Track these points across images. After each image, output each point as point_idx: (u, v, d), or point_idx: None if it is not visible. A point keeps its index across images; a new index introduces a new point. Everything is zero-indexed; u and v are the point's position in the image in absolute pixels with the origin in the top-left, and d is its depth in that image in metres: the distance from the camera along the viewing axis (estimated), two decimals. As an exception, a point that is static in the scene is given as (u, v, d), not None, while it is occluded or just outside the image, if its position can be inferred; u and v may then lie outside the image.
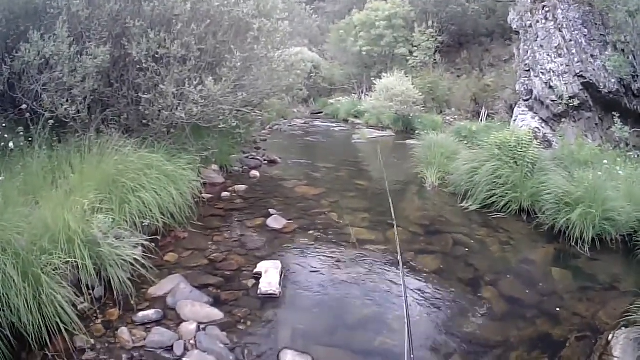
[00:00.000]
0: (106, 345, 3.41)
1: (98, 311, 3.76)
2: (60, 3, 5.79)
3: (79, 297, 3.55)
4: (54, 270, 3.40)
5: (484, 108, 16.11)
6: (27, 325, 3.08)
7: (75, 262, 3.62)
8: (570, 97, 10.22)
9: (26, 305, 3.10)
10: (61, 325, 3.22)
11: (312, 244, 5.72)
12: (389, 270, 5.05)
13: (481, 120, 14.97)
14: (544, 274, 5.37)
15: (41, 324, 3.14)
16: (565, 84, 10.39)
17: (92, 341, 3.40)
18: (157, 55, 6.31)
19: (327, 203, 7.47)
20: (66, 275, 3.50)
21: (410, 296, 4.49)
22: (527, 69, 12.01)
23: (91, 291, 3.77)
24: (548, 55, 11.02)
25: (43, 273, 3.28)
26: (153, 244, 4.70)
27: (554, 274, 5.31)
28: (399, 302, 4.34)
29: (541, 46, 11.28)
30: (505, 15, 14.24)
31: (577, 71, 10.18)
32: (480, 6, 20.80)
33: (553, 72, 10.77)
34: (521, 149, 7.46)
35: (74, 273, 3.64)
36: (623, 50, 9.14)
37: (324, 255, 5.39)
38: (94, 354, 3.28)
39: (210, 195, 7.16)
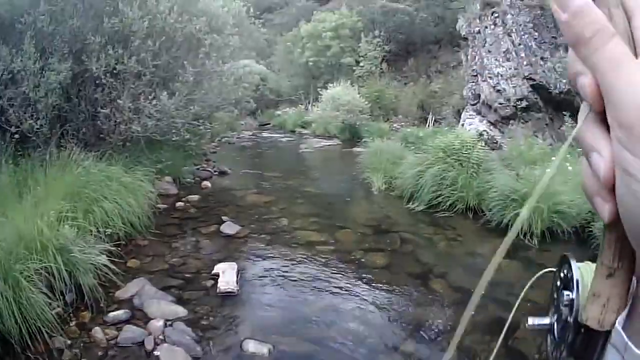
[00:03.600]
0: (82, 344, 3.66)
1: (72, 314, 3.99)
2: (28, 19, 5.96)
3: (54, 301, 3.76)
4: (30, 276, 3.61)
5: (431, 114, 16.48)
6: (11, 329, 3.29)
7: (49, 267, 3.85)
8: (519, 100, 10.66)
9: (8, 310, 3.30)
10: (42, 329, 3.42)
11: (265, 247, 6.06)
12: (338, 268, 5.42)
13: (428, 126, 15.29)
14: (494, 266, 5.70)
15: (22, 327, 3.34)
16: (514, 86, 10.82)
17: (69, 342, 3.63)
18: (115, 71, 6.55)
19: (277, 209, 7.79)
20: (41, 281, 3.72)
21: (362, 289, 4.89)
22: (475, 74, 12.38)
23: (62, 296, 3.96)
24: (496, 59, 11.46)
25: (23, 279, 3.50)
26: (118, 249, 4.96)
27: (504, 265, 5.41)
28: (348, 297, 4.74)
29: (489, 51, 11.73)
30: (455, 22, 14.40)
31: (526, 74, 10.63)
32: (429, 14, 20.87)
33: (501, 75, 11.22)
34: (465, 151, 7.83)
35: (47, 279, 3.85)
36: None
37: (276, 256, 5.75)
38: (71, 354, 3.52)
39: (165, 206, 7.39)
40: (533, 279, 0.65)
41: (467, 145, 7.96)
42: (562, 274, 0.51)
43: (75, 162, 5.74)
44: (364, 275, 5.29)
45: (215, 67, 8.60)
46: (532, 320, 0.55)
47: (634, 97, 0.34)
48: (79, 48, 6.56)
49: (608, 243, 0.42)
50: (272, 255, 5.81)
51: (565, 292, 0.48)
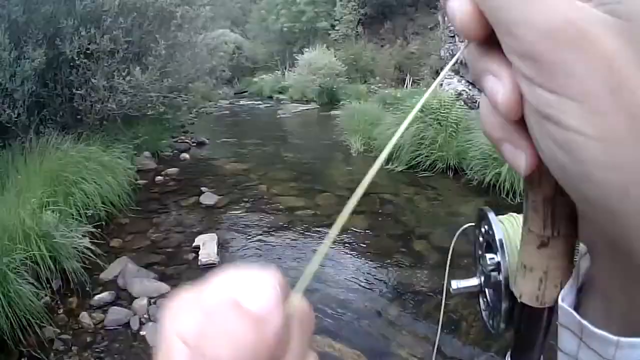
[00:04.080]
0: (71, 332, 3.76)
1: (59, 302, 4.07)
2: (2, 12, 5.93)
3: (41, 290, 3.82)
4: (16, 268, 3.66)
5: (408, 75, 16.44)
6: (3, 325, 3.33)
7: (34, 256, 3.91)
8: (497, 59, 10.83)
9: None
10: (32, 321, 3.48)
11: (245, 215, 6.18)
12: (319, 233, 5.52)
13: (406, 87, 15.14)
14: (476, 225, 5.80)
15: (13, 321, 3.38)
16: (492, 47, 11.00)
17: (58, 330, 3.73)
18: (88, 51, 6.53)
19: (256, 176, 7.89)
20: (27, 271, 3.78)
21: (343, 253, 5.02)
22: (452, 34, 12.39)
23: (49, 284, 4.01)
24: (474, 20, 11.58)
25: (9, 271, 3.56)
26: (100, 230, 5.01)
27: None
28: (330, 262, 4.80)
29: (467, 12, 11.82)
30: (433, -16, 14.54)
31: (504, 34, 10.80)
32: (405, -24, 20.50)
33: (479, 36, 11.37)
34: (444, 110, 7.88)
35: (33, 268, 3.91)
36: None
37: (256, 224, 5.86)
38: (62, 342, 3.61)
39: (145, 181, 7.43)
40: (454, 238, 0.62)
41: (445, 105, 7.99)
42: (482, 231, 0.44)
43: (53, 147, 5.76)
44: (345, 239, 5.34)
45: (188, 39, 8.58)
46: (456, 284, 0.48)
47: (532, 12, 0.24)
48: (52, 33, 6.50)
49: (534, 207, 0.33)
50: (252, 223, 5.91)
51: (489, 256, 0.42)
